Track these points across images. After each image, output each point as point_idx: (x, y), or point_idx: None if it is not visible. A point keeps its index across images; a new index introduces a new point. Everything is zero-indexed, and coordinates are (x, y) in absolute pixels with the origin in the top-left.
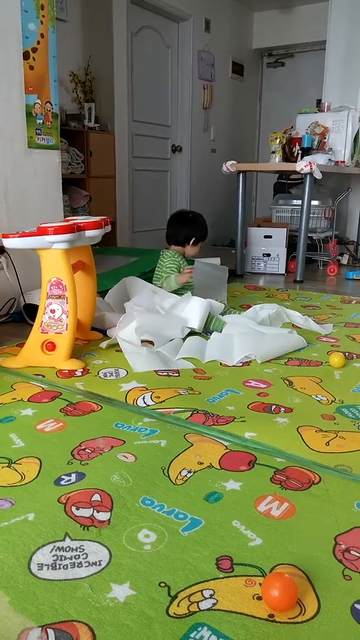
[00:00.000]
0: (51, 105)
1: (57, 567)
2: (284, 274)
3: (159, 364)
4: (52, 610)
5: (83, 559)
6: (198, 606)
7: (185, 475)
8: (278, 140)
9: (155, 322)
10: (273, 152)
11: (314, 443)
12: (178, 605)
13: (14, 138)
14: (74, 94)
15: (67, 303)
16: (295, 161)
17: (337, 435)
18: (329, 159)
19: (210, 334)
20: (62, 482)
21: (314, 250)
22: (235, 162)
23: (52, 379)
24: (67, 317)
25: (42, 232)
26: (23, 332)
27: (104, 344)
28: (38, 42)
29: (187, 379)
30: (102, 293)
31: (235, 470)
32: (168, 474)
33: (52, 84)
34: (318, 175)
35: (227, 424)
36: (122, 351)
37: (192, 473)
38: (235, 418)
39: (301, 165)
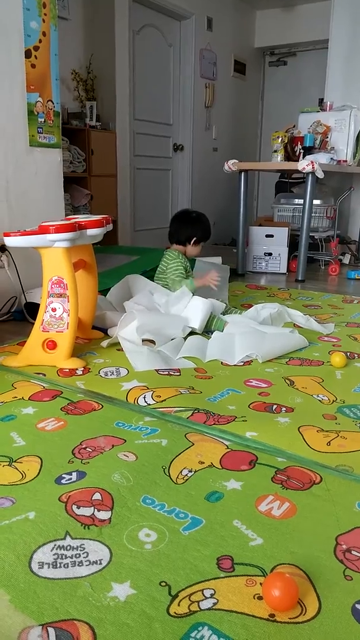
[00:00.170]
0: (53, 103)
1: (58, 565)
2: (285, 274)
3: (160, 363)
4: (52, 608)
5: (84, 557)
6: (199, 605)
7: (186, 475)
8: (280, 139)
9: (156, 321)
10: (275, 151)
11: (315, 443)
12: (179, 605)
13: (16, 136)
14: (75, 93)
15: (68, 302)
16: (297, 160)
17: (338, 435)
18: (331, 158)
19: (212, 333)
20: (63, 481)
21: (316, 249)
22: (237, 161)
23: (53, 377)
24: (68, 315)
25: (43, 230)
26: (24, 331)
27: (104, 343)
28: (40, 41)
29: (188, 378)
30: (104, 292)
31: (236, 470)
32: (169, 473)
33: (53, 82)
34: (320, 174)
35: (228, 423)
36: (123, 350)
37: (193, 472)
38: (236, 417)
39: (303, 164)
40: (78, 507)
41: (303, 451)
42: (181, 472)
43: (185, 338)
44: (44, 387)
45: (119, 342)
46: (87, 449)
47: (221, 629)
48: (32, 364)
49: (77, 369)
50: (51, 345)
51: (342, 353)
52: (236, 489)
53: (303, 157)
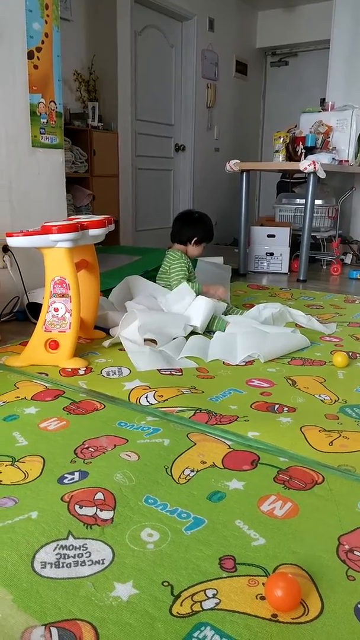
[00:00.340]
0: (55, 104)
1: (61, 565)
2: (287, 273)
3: (162, 362)
4: (55, 608)
5: (86, 557)
6: (201, 605)
7: (188, 475)
8: (282, 139)
9: (157, 320)
10: (277, 151)
11: (318, 443)
12: (181, 605)
13: (18, 137)
14: (77, 93)
15: (70, 302)
16: (299, 160)
17: (340, 435)
18: (333, 158)
19: (213, 333)
20: (66, 481)
21: (318, 249)
22: (238, 161)
23: (55, 377)
24: (71, 315)
25: (46, 230)
26: (26, 331)
27: (106, 343)
28: (42, 42)
29: (190, 378)
30: (106, 292)
31: (239, 470)
32: (171, 473)
33: (56, 83)
34: (322, 174)
35: (230, 423)
36: (125, 350)
37: (195, 472)
38: (238, 417)
39: (305, 164)
40: (80, 507)
41: (305, 451)
42: (183, 472)
43: (186, 338)
44: (46, 387)
45: (121, 342)
46: (90, 448)
47: (224, 629)
48: (35, 363)
49: (79, 369)
50: (53, 345)
51: (344, 353)
52: (238, 489)
53: (305, 157)
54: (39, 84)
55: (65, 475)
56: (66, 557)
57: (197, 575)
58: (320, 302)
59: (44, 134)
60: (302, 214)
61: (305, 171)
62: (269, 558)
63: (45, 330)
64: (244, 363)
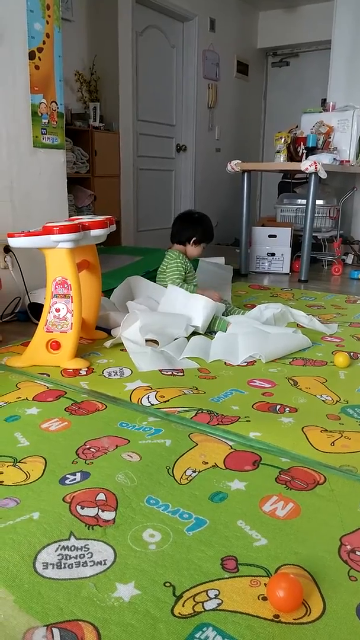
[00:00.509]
0: (56, 104)
1: (62, 566)
2: (288, 274)
3: (164, 363)
4: (57, 609)
5: (88, 558)
6: (203, 606)
7: (190, 475)
8: (283, 139)
9: (159, 320)
10: (278, 152)
11: (319, 443)
12: (183, 605)
13: (20, 137)
14: (79, 94)
15: (72, 302)
16: (300, 160)
17: (342, 435)
18: (334, 159)
19: (215, 334)
20: (67, 481)
21: (319, 249)
22: (239, 161)
23: (56, 378)
24: (72, 316)
25: (47, 231)
26: (28, 331)
27: (108, 343)
28: (44, 42)
29: (191, 379)
30: (107, 292)
31: (240, 470)
32: (173, 474)
33: (57, 83)
34: (323, 174)
35: (231, 423)
36: (126, 350)
37: (196, 473)
38: (240, 418)
39: (306, 165)
40: (82, 508)
41: (307, 451)
42: (185, 472)
43: (188, 338)
44: (47, 388)
45: (122, 343)
46: (91, 449)
47: (226, 629)
48: (36, 364)
49: (80, 369)
50: (55, 345)
51: (346, 353)
52: (240, 490)
53: (306, 158)
54: (41, 85)
55: (67, 475)
56: (68, 557)
57: (199, 575)
58: (322, 303)
59: (46, 134)
60: (304, 215)
61: (307, 171)
62: (270, 558)
63: (46, 331)
64: (245, 363)
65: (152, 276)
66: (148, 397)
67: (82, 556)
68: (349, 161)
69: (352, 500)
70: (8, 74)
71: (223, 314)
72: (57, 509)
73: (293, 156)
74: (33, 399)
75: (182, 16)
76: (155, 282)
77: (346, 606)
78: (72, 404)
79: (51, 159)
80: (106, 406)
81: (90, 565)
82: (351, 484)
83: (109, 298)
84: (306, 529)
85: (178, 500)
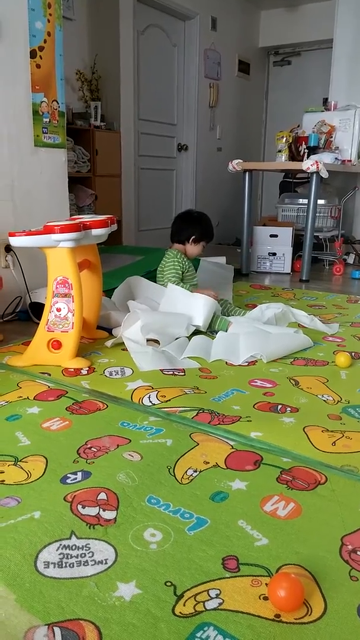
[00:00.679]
0: (58, 103)
1: (64, 565)
2: (289, 273)
3: (165, 363)
4: (58, 608)
5: (89, 557)
6: (204, 606)
7: (191, 475)
8: (284, 139)
9: (160, 320)
10: (279, 151)
11: (320, 443)
12: (184, 605)
13: (21, 136)
14: (80, 93)
15: (73, 301)
16: (302, 160)
17: (343, 435)
18: (336, 158)
19: (216, 333)
20: (68, 481)
21: (320, 249)
22: (241, 160)
23: (57, 377)
24: (73, 315)
25: (48, 230)
26: (29, 331)
27: (109, 343)
28: (45, 41)
29: (192, 378)
30: (108, 292)
31: (241, 470)
32: (174, 473)
33: (58, 82)
34: (324, 174)
35: (233, 423)
36: (127, 350)
37: (198, 472)
38: (241, 417)
39: (308, 164)
40: (83, 507)
41: (308, 451)
42: (186, 472)
43: (189, 338)
44: (49, 387)
45: (123, 342)
46: (92, 448)
47: (227, 629)
48: (37, 363)
49: (81, 369)
50: (56, 345)
51: (347, 353)
52: (241, 489)
53: (307, 157)
54: (42, 83)
55: (68, 475)
56: (69, 557)
57: (200, 575)
58: (323, 302)
59: (47, 133)
60: (305, 214)
61: (308, 171)
62: (272, 558)
63: (47, 330)
64: (246, 363)
65: (153, 276)
66: (149, 397)
67: (83, 555)
68: (350, 161)
69: (354, 500)
70: (9, 73)
71: (223, 314)
72: (58, 508)
73: (294, 156)
74: (34, 398)
75: (183, 15)
76: (155, 281)
77: (347, 606)
78: (73, 404)
79: (52, 158)
80: (107, 406)
81: (92, 565)
82: (352, 484)
83: (109, 298)
84: (307, 528)
85: (179, 499)
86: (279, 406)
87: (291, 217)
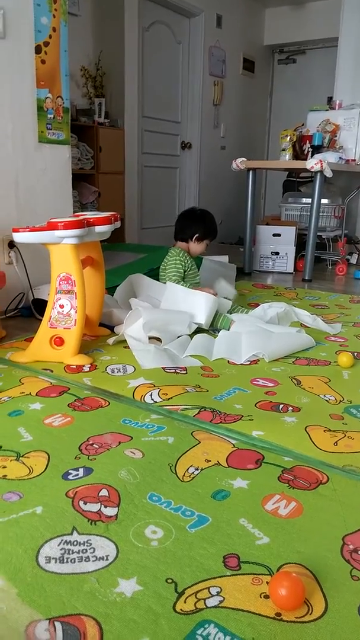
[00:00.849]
0: (62, 99)
1: (65, 560)
2: (292, 273)
3: (167, 361)
4: (59, 603)
5: (90, 553)
6: (205, 603)
7: (193, 473)
8: (288, 137)
9: (162, 318)
10: (283, 150)
11: (322, 443)
12: (185, 602)
13: (25, 132)
14: (84, 89)
15: (75, 298)
16: (306, 159)
17: (345, 435)
18: (340, 157)
19: (218, 332)
20: (70, 477)
21: (323, 249)
22: (245, 159)
23: (60, 374)
24: (76, 312)
25: (52, 226)
26: (31, 327)
27: (111, 340)
28: (50, 36)
29: (194, 377)
30: (110, 289)
31: (243, 469)
32: (175, 471)
33: (63, 78)
34: (328, 173)
35: (234, 422)
36: (129, 348)
37: (199, 470)
38: (242, 416)
39: (312, 163)
40: (85, 503)
41: (310, 451)
42: (187, 470)
43: (191, 336)
44: (51, 383)
45: (125, 340)
46: (94, 445)
47: (227, 626)
48: (40, 359)
49: (84, 366)
50: (58, 341)
51: (350, 353)
52: (242, 488)
53: (311, 156)
54: (46, 79)
55: (70, 471)
56: (70, 552)
57: (201, 572)
58: (326, 302)
59: (51, 129)
60: (308, 213)
61: (312, 170)
62: (273, 557)
63: (50, 327)
64: (248, 362)
65: (155, 274)
66: (151, 395)
67: (84, 551)
68: (354, 160)
69: (355, 500)
70: (14, 68)
71: (227, 313)
72: (60, 504)
73: (298, 154)
74: (36, 395)
75: (188, 12)
76: (158, 279)
77: (348, 605)
78: (75, 400)
79: (56, 155)
80: (109, 403)
81: (93, 560)
82: (354, 484)
83: (112, 295)
84: (309, 528)
85: (180, 497)
86: (281, 405)
87: (294, 217)
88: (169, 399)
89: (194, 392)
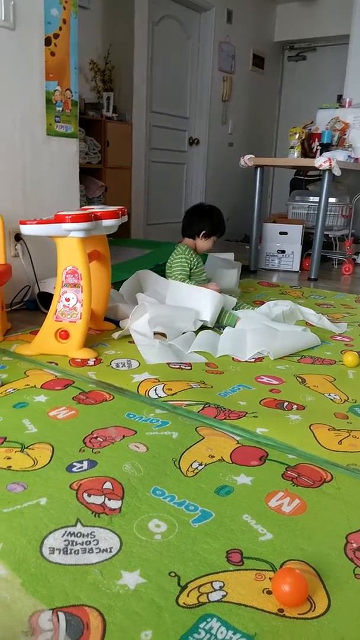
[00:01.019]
0: (71, 92)
1: (69, 551)
2: (298, 272)
3: (172, 356)
4: (63, 594)
5: (94, 545)
6: (208, 597)
7: (196, 468)
8: (297, 135)
9: (167, 314)
10: (292, 147)
11: (327, 441)
12: (188, 596)
13: (33, 125)
14: (93, 83)
15: (81, 292)
16: (314, 157)
17: (350, 434)
18: (349, 156)
19: (224, 328)
20: (74, 469)
21: (330, 248)
22: (253, 156)
23: (65, 367)
24: (82, 306)
25: (59, 219)
26: (37, 320)
27: (116, 335)
28: (60, 28)
29: (199, 373)
30: (116, 284)
31: (247, 465)
32: (179, 466)
33: (72, 71)
34: (337, 172)
35: (239, 418)
36: (134, 342)
37: (203, 466)
38: (247, 413)
39: (320, 161)
40: (89, 495)
41: (314, 449)
42: (191, 465)
43: (196, 333)
44: (56, 376)
45: (130, 335)
46: (98, 438)
47: (230, 621)
48: (45, 352)
49: (88, 360)
50: (64, 335)
51: (355, 353)
52: (246, 484)
53: (320, 154)
54: (56, 72)
55: (74, 463)
56: (74, 543)
57: (204, 567)
58: (331, 302)
59: (59, 122)
60: (315, 212)
61: (321, 168)
62: (276, 553)
63: (55, 320)
64: (253, 359)
65: (161, 269)
66: (155, 390)
67: (88, 543)
68: None
69: (359, 499)
70: (24, 60)
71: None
72: (64, 496)
73: (307, 152)
74: (41, 387)
75: (199, 6)
76: (164, 275)
77: (351, 603)
78: (79, 393)
79: (64, 148)
80: (114, 397)
81: (96, 552)
82: (358, 482)
83: (117, 290)
84: (312, 525)
85: (184, 492)
86: (285, 403)
87: (301, 215)
88: (173, 394)
89: (198, 388)
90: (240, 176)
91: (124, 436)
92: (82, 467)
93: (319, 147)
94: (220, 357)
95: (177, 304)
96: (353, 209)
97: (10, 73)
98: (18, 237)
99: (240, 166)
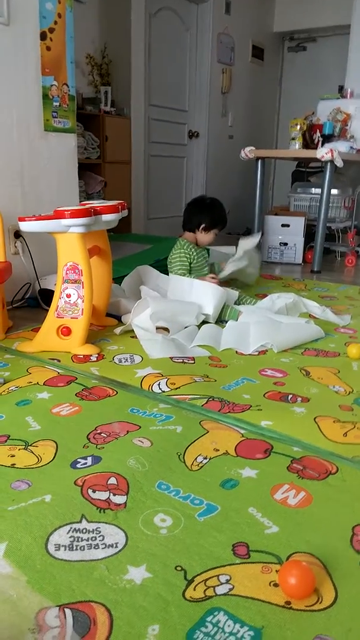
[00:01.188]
0: (68, 87)
1: (74, 548)
2: (300, 264)
3: (174, 351)
4: (69, 590)
5: (100, 540)
6: (214, 591)
7: (201, 462)
8: (298, 126)
9: (170, 308)
10: (293, 139)
11: (332, 433)
12: (194, 589)
13: (30, 120)
14: (90, 77)
15: (82, 288)
16: (316, 148)
17: (355, 426)
18: (351, 147)
19: (226, 323)
20: (79, 465)
21: (332, 240)
22: (253, 148)
23: (67, 363)
24: (83, 302)
25: (59, 215)
26: (38, 317)
27: (118, 330)
28: (55, 22)
29: (202, 367)
30: (117, 279)
31: (252, 458)
32: (184, 460)
33: (69, 65)
34: (339, 163)
35: (243, 412)
36: (136, 337)
37: (207, 459)
38: (251, 406)
39: (322, 152)
40: (94, 491)
41: (319, 441)
42: (196, 459)
43: (199, 327)
44: (58, 373)
45: (132, 330)
46: (102, 434)
47: (237, 614)
48: (47, 349)
49: (91, 355)
50: (65, 331)
51: (359, 345)
52: (251, 477)
53: (322, 145)
54: (52, 66)
55: (78, 459)
56: (80, 540)
57: (211, 560)
58: (335, 294)
59: (57, 117)
60: (318, 204)
61: (323, 159)
62: (282, 546)
63: (57, 317)
64: (256, 353)
65: (161, 265)
66: (159, 384)
67: (93, 539)
68: None
69: None
70: (19, 55)
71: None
72: (68, 492)
73: (308, 144)
74: (44, 384)
75: None
76: (166, 270)
77: (358, 595)
78: (82, 390)
79: (62, 143)
80: (117, 392)
81: (102, 548)
82: None
83: (119, 285)
84: (318, 518)
85: (189, 486)
86: (290, 396)
87: (303, 207)
88: (176, 388)
89: (202, 382)
90: (241, 169)
91: (128, 431)
92: (86, 463)
93: (320, 139)
94: (224, 350)
95: (179, 298)
96: (356, 200)
97: (6, 69)
98: (18, 234)
99: (241, 158)
